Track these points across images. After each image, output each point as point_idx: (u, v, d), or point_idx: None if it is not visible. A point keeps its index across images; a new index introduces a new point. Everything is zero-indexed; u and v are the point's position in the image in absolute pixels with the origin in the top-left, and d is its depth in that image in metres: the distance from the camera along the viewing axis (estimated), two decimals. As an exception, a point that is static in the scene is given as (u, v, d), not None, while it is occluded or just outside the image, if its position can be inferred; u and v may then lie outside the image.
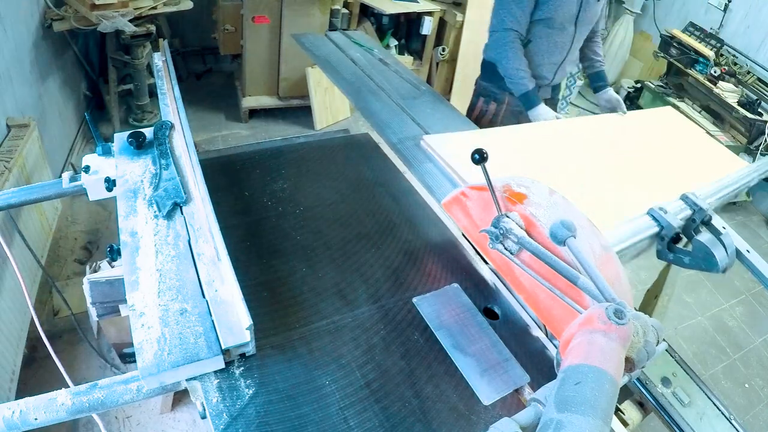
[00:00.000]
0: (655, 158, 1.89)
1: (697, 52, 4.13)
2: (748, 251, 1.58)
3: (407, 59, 4.41)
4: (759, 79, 4.00)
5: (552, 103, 2.44)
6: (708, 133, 4.01)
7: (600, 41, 2.38)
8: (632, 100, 4.88)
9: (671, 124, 2.28)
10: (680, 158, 1.95)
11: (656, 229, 1.49)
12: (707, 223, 1.57)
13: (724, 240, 1.48)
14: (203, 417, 0.90)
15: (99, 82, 3.55)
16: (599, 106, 2.30)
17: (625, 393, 1.30)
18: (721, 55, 4.20)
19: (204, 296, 0.99)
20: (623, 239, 1.40)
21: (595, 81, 2.33)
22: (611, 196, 1.59)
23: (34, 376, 1.97)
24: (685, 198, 1.59)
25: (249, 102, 3.88)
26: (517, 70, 2.07)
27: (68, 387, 0.88)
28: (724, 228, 1.56)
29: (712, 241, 1.48)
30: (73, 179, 1.29)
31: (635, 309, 0.91)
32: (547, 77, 2.26)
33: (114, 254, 1.39)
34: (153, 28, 3.12)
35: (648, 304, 1.84)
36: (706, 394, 1.28)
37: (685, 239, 1.56)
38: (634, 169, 1.77)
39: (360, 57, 2.33)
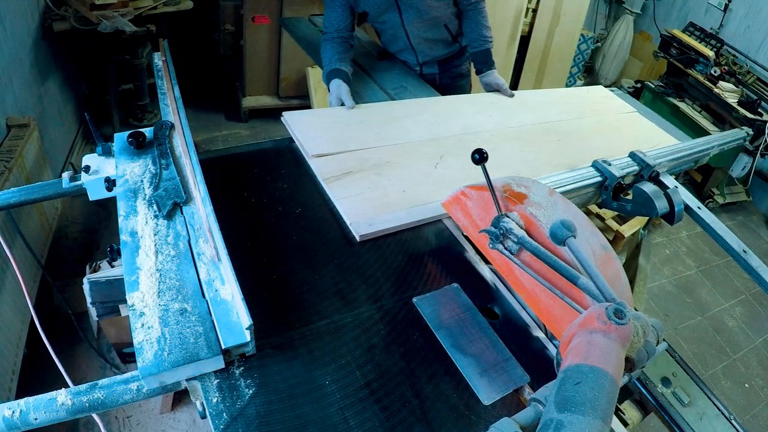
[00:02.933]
0: (578, 130, 2.00)
1: (697, 52, 4.13)
2: (699, 207, 1.71)
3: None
4: (759, 79, 4.01)
5: (464, 88, 2.51)
6: (708, 132, 4.04)
7: (478, 14, 2.15)
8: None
9: (602, 100, 2.35)
10: (610, 131, 2.05)
11: (599, 179, 1.64)
12: (655, 179, 1.70)
13: (672, 194, 1.61)
14: (203, 417, 0.90)
15: (99, 82, 3.55)
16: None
17: (625, 393, 1.30)
18: (721, 55, 4.20)
19: (204, 296, 0.99)
20: (566, 184, 1.57)
21: (475, 62, 2.20)
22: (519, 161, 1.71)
23: (34, 376, 1.97)
24: (632, 155, 1.74)
25: (249, 102, 3.88)
26: (327, 60, 2.14)
27: (68, 387, 0.87)
28: (676, 187, 1.69)
29: (655, 192, 1.60)
30: (73, 179, 1.29)
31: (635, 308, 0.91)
32: (411, 60, 2.35)
33: (114, 254, 1.39)
34: (153, 28, 3.12)
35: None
36: (706, 394, 1.28)
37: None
38: (552, 140, 1.88)
39: None
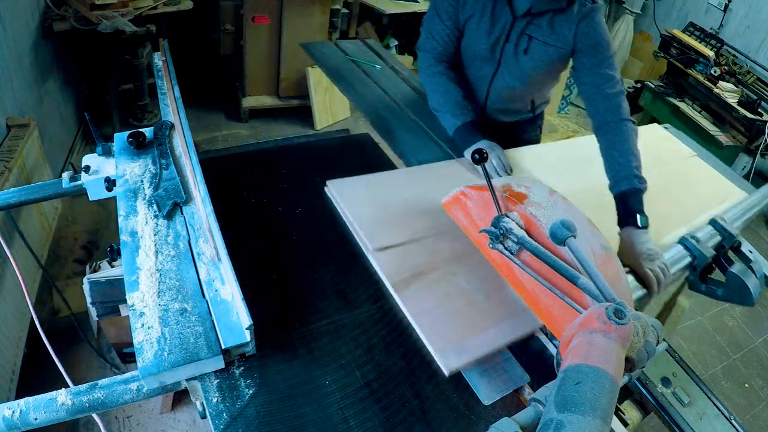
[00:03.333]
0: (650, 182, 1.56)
1: (697, 52, 4.13)
2: None
3: (407, 59, 4.42)
4: (759, 79, 4.01)
5: (524, 139, 1.96)
6: (708, 132, 4.04)
7: (630, 133, 1.46)
8: (632, 100, 4.88)
9: (658, 142, 2.02)
10: (674, 181, 1.76)
11: (689, 260, 1.41)
12: (737, 249, 1.49)
13: (754, 267, 1.43)
14: (203, 417, 0.91)
15: (99, 82, 3.55)
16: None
17: (625, 393, 1.30)
18: (721, 55, 4.21)
19: (204, 296, 0.99)
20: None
21: (619, 207, 1.40)
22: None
23: (34, 376, 1.97)
24: (714, 223, 1.50)
25: (249, 102, 3.88)
26: (441, 99, 1.65)
27: (68, 387, 0.88)
28: (751, 252, 1.50)
29: (744, 271, 1.40)
30: (73, 179, 1.29)
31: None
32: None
33: (114, 254, 1.39)
34: (153, 28, 3.12)
35: (661, 314, 1.81)
36: (706, 394, 1.28)
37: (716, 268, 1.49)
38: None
39: (374, 69, 2.25)
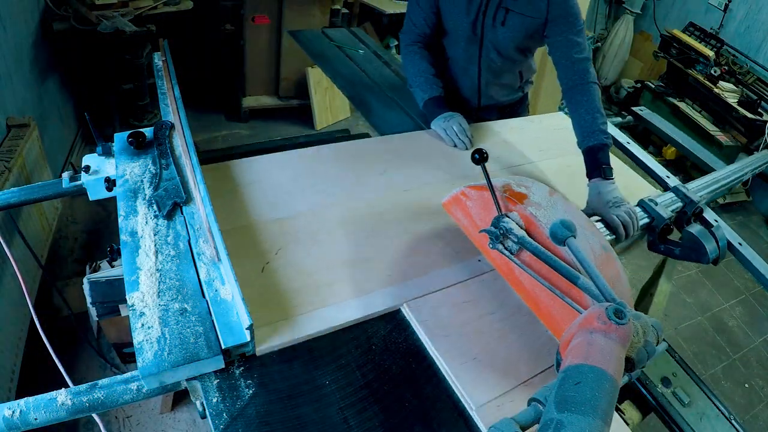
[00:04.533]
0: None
1: (697, 52, 4.13)
2: (740, 244, 1.63)
3: (407, 59, 4.42)
4: (759, 79, 4.01)
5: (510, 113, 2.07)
6: (708, 132, 4.04)
7: (594, 92, 1.57)
8: (632, 101, 4.88)
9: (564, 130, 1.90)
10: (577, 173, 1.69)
11: (647, 220, 1.50)
12: (699, 216, 1.59)
13: (716, 232, 1.50)
14: (203, 417, 0.90)
15: (99, 82, 3.55)
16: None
17: (625, 393, 1.30)
18: (721, 55, 4.21)
19: (204, 296, 0.99)
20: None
21: (588, 162, 1.53)
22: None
23: (34, 376, 1.97)
24: (675, 190, 1.62)
25: (249, 102, 3.88)
26: (414, 75, 1.81)
27: (68, 387, 0.87)
28: (716, 221, 1.59)
29: (703, 233, 1.49)
30: (73, 179, 1.29)
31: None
32: (472, 102, 1.95)
33: (114, 254, 1.39)
34: (153, 28, 3.12)
35: (641, 300, 1.83)
36: (706, 394, 1.28)
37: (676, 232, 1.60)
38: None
39: (357, 53, 2.42)
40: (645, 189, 1.76)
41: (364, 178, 1.50)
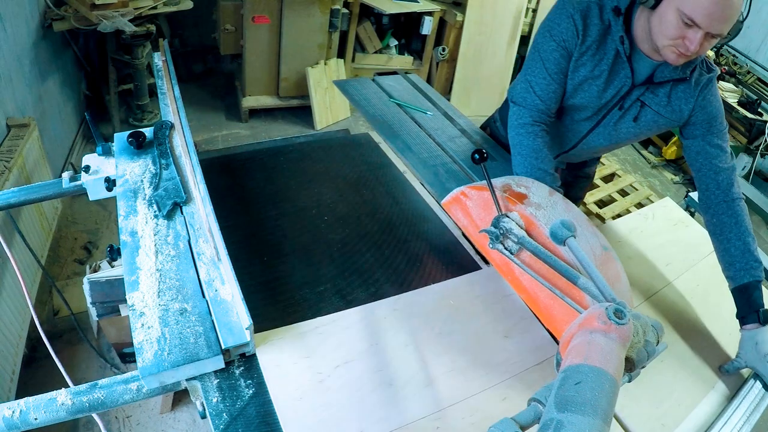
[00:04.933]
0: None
1: (697, 52, 4.13)
2: None
3: (407, 59, 4.42)
4: (759, 79, 4.01)
5: (582, 189, 1.91)
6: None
7: (737, 212, 1.34)
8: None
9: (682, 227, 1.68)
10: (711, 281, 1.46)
11: (763, 392, 1.20)
12: None
13: None
14: (203, 417, 0.90)
15: (99, 82, 3.55)
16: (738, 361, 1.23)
17: (625, 393, 1.29)
18: (721, 55, 4.20)
19: (204, 296, 0.99)
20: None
21: (738, 300, 1.28)
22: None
23: (34, 376, 1.97)
24: None
25: (249, 102, 3.88)
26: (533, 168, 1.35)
27: (68, 387, 0.88)
28: None
29: None
30: (73, 179, 1.29)
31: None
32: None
33: (114, 254, 1.39)
34: (153, 28, 3.12)
35: None
36: (706, 395, 1.28)
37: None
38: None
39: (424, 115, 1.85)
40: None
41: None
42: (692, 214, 1.69)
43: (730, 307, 1.28)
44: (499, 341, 1.10)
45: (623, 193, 3.57)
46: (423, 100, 1.96)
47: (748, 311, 1.24)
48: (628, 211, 3.26)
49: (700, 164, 1.38)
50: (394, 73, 2.15)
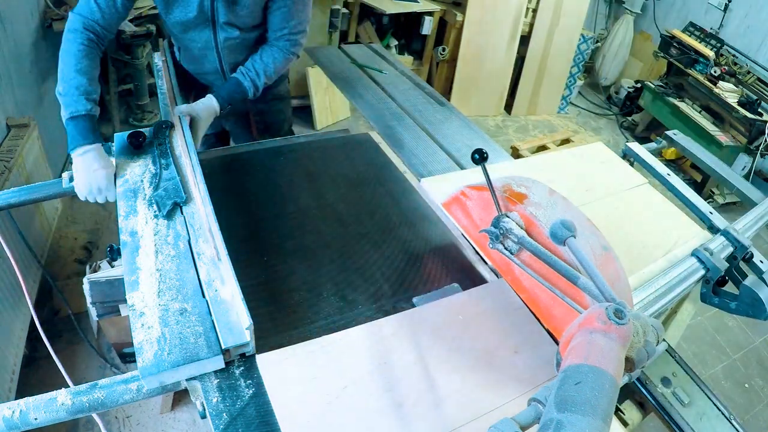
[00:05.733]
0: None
1: (697, 52, 4.13)
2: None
3: (407, 59, 4.42)
4: (759, 79, 4.01)
5: (283, 112, 2.08)
6: (708, 132, 4.02)
7: (278, 51, 1.69)
8: (632, 101, 4.88)
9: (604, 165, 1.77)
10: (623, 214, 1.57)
11: (703, 272, 1.38)
12: (748, 260, 1.47)
13: (766, 277, 1.40)
14: (203, 417, 0.90)
15: (99, 82, 3.54)
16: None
17: (625, 393, 1.30)
18: (721, 55, 4.21)
19: (204, 296, 0.99)
20: (673, 286, 1.28)
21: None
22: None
23: (34, 376, 1.97)
24: (726, 234, 1.47)
25: (249, 102, 3.88)
26: (69, 78, 1.46)
27: (68, 387, 0.87)
28: (762, 262, 1.47)
29: (757, 283, 1.36)
30: (73, 179, 1.29)
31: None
32: (218, 83, 1.81)
33: (114, 254, 1.39)
34: (153, 28, 3.12)
35: (667, 319, 1.77)
36: (706, 394, 1.28)
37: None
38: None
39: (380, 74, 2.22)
40: (688, 227, 1.58)
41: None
42: (631, 164, 1.75)
43: (642, 240, 1.46)
44: (509, 357, 1.09)
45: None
46: (381, 62, 2.37)
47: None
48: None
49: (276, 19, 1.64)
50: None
